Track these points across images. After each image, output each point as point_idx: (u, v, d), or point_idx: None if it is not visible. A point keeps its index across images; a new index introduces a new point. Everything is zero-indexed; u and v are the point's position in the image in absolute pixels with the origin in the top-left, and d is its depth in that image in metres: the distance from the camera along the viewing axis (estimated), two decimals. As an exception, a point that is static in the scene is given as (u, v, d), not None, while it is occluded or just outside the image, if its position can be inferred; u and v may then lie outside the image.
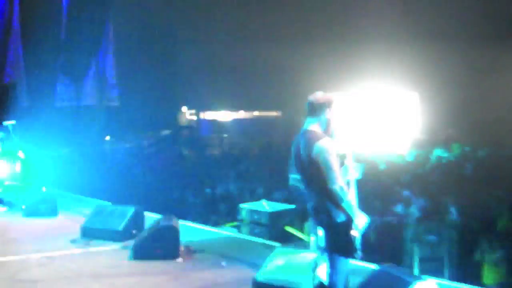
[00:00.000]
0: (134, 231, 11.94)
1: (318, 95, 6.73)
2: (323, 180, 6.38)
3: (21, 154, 17.33)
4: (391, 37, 30.16)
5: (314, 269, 7.76)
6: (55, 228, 13.34)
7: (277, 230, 13.57)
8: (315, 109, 6.63)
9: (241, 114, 45.33)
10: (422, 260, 13.33)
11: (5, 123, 17.35)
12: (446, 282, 9.89)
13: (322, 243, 6.60)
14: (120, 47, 29.89)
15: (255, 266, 8.88)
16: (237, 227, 15.33)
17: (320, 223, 6.66)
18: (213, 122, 44.30)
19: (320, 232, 6.56)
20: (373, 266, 7.60)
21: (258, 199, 16.14)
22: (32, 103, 25.33)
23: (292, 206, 14.69)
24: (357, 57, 27.10)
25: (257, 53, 35.19)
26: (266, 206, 14.70)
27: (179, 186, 19.65)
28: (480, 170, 19.31)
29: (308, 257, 8.12)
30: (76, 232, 12.24)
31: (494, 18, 33.12)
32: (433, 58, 31.03)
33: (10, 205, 15.80)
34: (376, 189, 15.03)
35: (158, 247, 10.53)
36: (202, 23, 34.29)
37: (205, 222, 16.75)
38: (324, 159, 6.36)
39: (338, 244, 6.54)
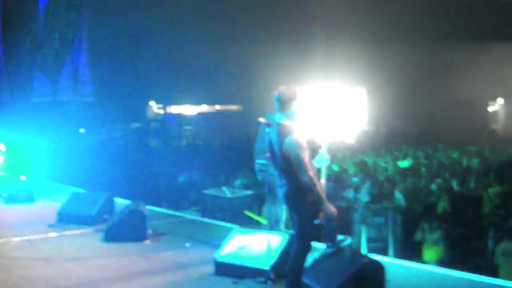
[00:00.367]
0: (105, 216, 11.94)
1: (283, 89, 6.68)
2: (294, 171, 6.44)
3: (2, 147, 17.22)
4: (342, 38, 30.43)
5: (269, 248, 7.89)
6: (34, 214, 13.26)
7: (237, 214, 13.64)
8: (283, 103, 6.60)
9: (204, 108, 45.33)
10: (369, 240, 13.51)
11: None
12: (390, 260, 10.09)
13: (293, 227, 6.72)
14: (93, 46, 29.72)
15: (217, 247, 8.92)
16: (200, 212, 15.39)
17: (291, 209, 6.76)
18: (179, 116, 44.23)
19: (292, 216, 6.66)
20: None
21: (219, 186, 16.22)
22: (12, 98, 25.11)
23: (251, 192, 14.79)
24: (312, 56, 27.22)
25: (219, 51, 35.27)
26: (227, 192, 14.79)
27: (152, 175, 19.62)
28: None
29: (264, 238, 8.23)
30: (53, 218, 12.21)
31: (436, 20, 33.53)
32: (379, 58, 31.39)
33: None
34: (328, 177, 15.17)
35: (128, 230, 10.57)
36: (169, 23, 34.22)
37: (177, 208, 16.84)
38: (295, 153, 6.38)
39: (306, 229, 6.63)
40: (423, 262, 11.90)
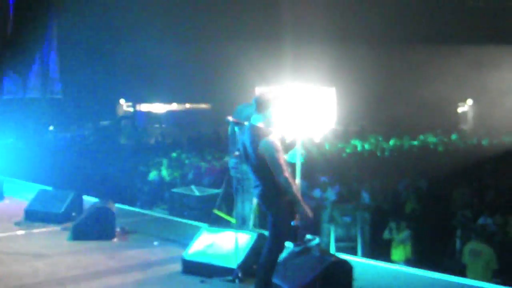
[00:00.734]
0: (73, 214, 11.80)
1: (264, 92, 6.73)
2: (269, 172, 6.42)
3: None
4: (312, 38, 30.53)
5: (237, 247, 7.83)
6: (1, 212, 13.07)
7: (205, 213, 13.57)
8: (261, 105, 6.58)
9: (174, 106, 45.28)
10: (337, 240, 13.53)
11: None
12: (359, 259, 10.05)
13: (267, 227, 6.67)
14: (63, 44, 29.50)
15: (185, 245, 8.87)
16: (169, 210, 15.29)
17: (266, 209, 6.72)
18: (148, 114, 44.16)
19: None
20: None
21: (188, 184, 16.14)
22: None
23: (219, 191, 14.72)
24: (281, 56, 27.28)
25: (188, 51, 35.29)
26: (195, 190, 14.71)
27: (122, 173, 19.45)
28: (391, 160, 19.73)
29: (232, 236, 8.18)
30: (20, 215, 12.05)
31: (406, 22, 33.81)
32: (349, 59, 31.55)
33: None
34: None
35: (96, 228, 10.45)
36: (140, 22, 34.10)
37: (151, 206, 16.75)
38: (270, 155, 6.37)
39: (281, 229, 6.60)
40: (391, 261, 11.94)
